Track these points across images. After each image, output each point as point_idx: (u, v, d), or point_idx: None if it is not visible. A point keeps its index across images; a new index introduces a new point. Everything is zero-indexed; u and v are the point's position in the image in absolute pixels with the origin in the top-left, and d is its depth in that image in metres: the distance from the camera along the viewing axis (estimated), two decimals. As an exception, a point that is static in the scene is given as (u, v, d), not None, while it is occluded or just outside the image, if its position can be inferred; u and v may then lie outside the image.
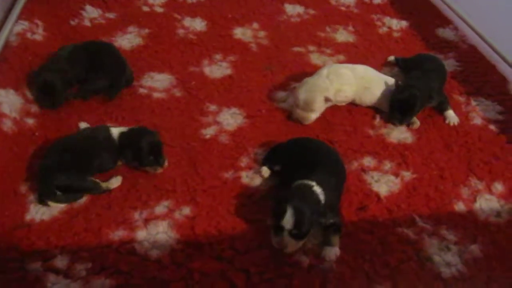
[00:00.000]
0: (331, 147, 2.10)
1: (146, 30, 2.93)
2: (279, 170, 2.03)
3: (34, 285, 1.63)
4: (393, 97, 2.36)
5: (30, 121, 2.22)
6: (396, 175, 2.11)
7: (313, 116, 2.34)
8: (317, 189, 1.74)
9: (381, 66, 2.80)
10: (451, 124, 2.39)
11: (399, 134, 2.33)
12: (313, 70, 2.68)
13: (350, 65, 2.52)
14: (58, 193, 1.87)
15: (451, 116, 2.41)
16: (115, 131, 2.06)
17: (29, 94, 2.32)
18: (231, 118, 2.36)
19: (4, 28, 2.61)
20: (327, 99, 2.32)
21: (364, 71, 2.50)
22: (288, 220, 1.62)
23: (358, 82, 2.42)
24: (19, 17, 2.75)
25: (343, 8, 3.35)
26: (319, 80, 2.36)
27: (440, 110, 2.45)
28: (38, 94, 2.33)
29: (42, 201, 1.88)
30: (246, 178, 2.06)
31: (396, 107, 2.33)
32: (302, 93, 2.31)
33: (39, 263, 1.69)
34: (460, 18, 3.15)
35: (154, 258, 1.73)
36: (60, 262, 1.70)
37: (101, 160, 2.00)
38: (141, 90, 2.50)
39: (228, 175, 2.06)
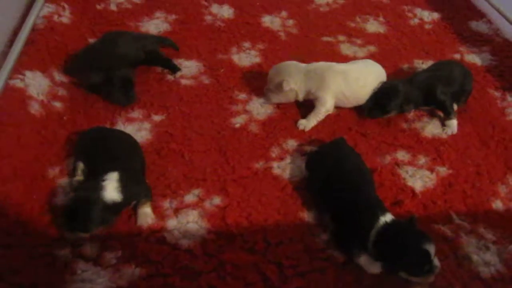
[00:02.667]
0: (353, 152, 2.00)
1: (173, 16, 2.88)
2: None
3: (63, 271, 1.59)
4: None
5: (58, 105, 2.18)
6: (431, 170, 2.05)
7: (272, 97, 2.28)
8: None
9: (412, 58, 2.72)
10: (445, 132, 2.24)
11: (433, 128, 2.25)
12: (343, 60, 2.62)
13: (345, 67, 2.32)
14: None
15: (451, 125, 2.25)
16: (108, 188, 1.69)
17: (57, 77, 2.28)
18: (261, 107, 2.30)
19: (31, 11, 2.58)
20: (283, 86, 2.19)
21: (359, 72, 2.30)
22: (433, 251, 1.58)
23: (352, 87, 2.26)
24: (46, 0, 2.71)
25: (372, -2, 3.27)
26: (297, 67, 2.26)
27: (443, 115, 2.30)
28: (117, 92, 2.23)
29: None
30: (277, 169, 2.00)
31: (374, 98, 2.26)
32: (273, 68, 2.29)
33: (68, 249, 1.66)
34: (495, 9, 3.03)
35: (184, 247, 1.69)
36: (90, 249, 1.66)
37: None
38: (169, 77, 2.45)
39: (259, 165, 2.01)
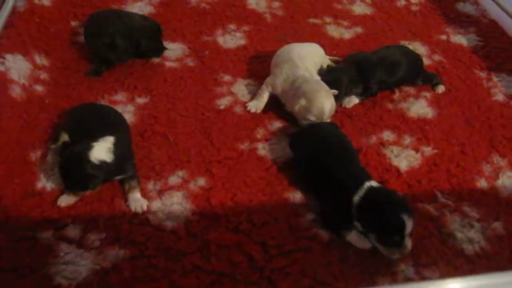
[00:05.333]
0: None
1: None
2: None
3: (46, 253, 1.58)
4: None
5: (40, 88, 2.15)
6: (417, 150, 2.05)
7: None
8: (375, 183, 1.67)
9: (399, 39, 2.72)
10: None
11: (419, 108, 2.25)
12: (330, 42, 2.63)
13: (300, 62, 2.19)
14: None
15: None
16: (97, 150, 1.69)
17: (38, 60, 2.25)
18: (246, 89, 2.29)
19: (11, -7, 2.54)
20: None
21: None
22: (409, 226, 1.54)
23: None
24: (27, -18, 2.66)
25: (359, -20, 3.24)
26: (323, 85, 2.08)
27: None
28: (146, 41, 2.33)
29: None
30: (262, 149, 2.00)
31: None
32: (327, 103, 2.01)
33: (51, 231, 1.64)
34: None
35: (169, 229, 1.68)
36: (72, 231, 1.65)
37: None
38: (153, 59, 2.42)
39: (243, 146, 2.00)
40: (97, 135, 1.74)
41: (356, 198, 1.62)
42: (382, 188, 1.68)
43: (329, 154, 1.82)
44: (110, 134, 1.75)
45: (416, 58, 2.41)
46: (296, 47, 2.29)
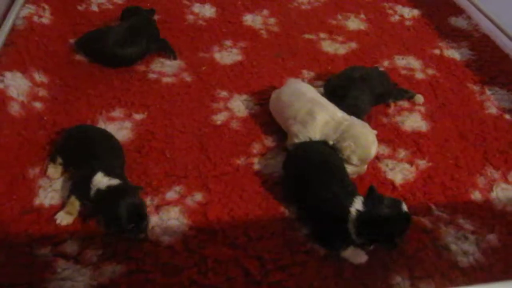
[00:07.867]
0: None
1: (155, 16, 2.88)
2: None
3: (44, 270, 1.59)
4: None
5: (38, 105, 2.18)
6: (411, 163, 2.07)
7: None
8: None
9: (393, 54, 2.76)
10: None
11: (413, 122, 2.28)
12: (325, 57, 2.67)
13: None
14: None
15: None
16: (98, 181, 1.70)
17: (37, 77, 2.27)
18: (242, 105, 2.31)
19: (10, 12, 2.56)
20: None
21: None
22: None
23: None
24: (26, 1, 2.68)
25: (354, -4, 3.30)
26: (369, 128, 2.01)
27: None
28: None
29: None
30: (258, 164, 2.02)
31: None
32: (374, 148, 1.95)
33: (49, 248, 1.65)
34: (473, 6, 3.09)
35: (165, 244, 1.69)
36: (70, 247, 1.66)
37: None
38: (151, 75, 2.45)
39: (240, 161, 2.03)
40: (82, 163, 1.80)
41: (351, 227, 1.61)
42: (367, 205, 1.64)
43: (314, 177, 1.79)
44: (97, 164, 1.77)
45: (380, 75, 2.36)
46: (301, 87, 2.15)
